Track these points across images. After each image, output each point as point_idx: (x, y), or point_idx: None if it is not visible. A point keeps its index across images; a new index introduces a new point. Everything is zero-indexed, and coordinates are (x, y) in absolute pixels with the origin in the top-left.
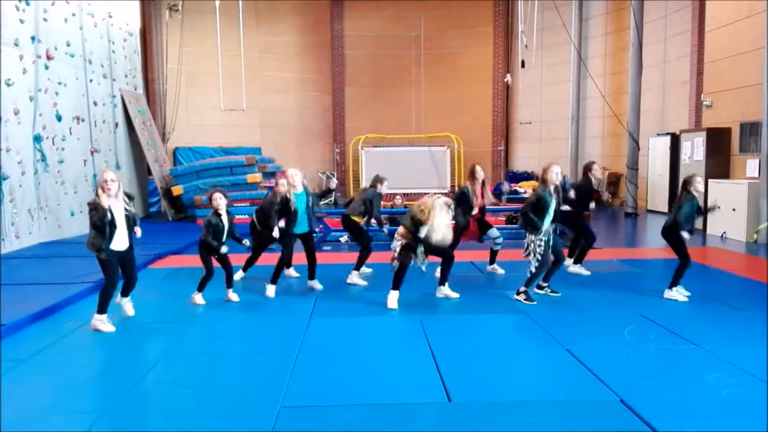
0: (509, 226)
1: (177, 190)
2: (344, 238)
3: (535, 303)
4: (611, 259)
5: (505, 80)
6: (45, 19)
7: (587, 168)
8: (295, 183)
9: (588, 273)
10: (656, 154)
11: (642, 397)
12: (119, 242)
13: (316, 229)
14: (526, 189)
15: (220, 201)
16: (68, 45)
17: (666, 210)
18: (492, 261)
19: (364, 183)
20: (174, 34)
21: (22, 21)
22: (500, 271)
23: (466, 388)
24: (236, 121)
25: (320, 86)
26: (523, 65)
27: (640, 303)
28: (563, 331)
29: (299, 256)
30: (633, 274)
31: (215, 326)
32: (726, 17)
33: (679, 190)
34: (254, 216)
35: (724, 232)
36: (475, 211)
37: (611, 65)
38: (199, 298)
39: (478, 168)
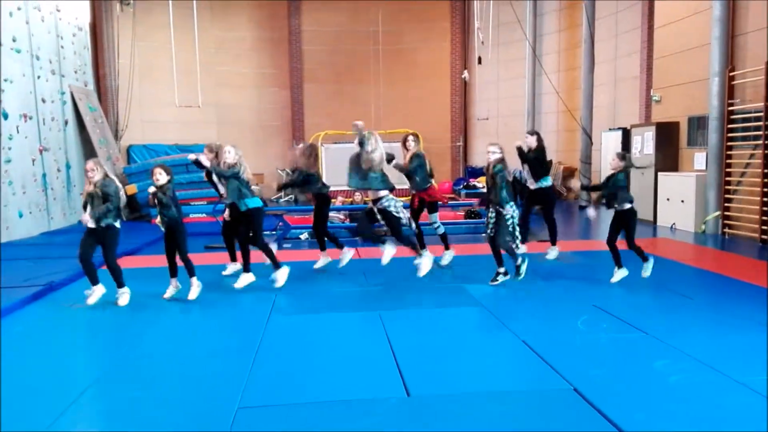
0: (468, 221)
1: (131, 188)
2: (304, 235)
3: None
4: (565, 251)
5: (463, 76)
6: None
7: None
8: (227, 160)
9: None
10: (608, 148)
11: (594, 385)
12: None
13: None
14: (484, 184)
15: (159, 176)
16: (14, 40)
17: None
18: (446, 246)
19: (325, 179)
20: (126, 28)
21: None
22: (445, 261)
23: (425, 382)
24: (192, 118)
25: (278, 82)
26: (480, 61)
27: (593, 293)
28: (519, 322)
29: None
30: (586, 266)
31: (172, 326)
32: (673, 14)
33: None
34: None
35: (674, 223)
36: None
37: (565, 61)
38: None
39: (410, 137)
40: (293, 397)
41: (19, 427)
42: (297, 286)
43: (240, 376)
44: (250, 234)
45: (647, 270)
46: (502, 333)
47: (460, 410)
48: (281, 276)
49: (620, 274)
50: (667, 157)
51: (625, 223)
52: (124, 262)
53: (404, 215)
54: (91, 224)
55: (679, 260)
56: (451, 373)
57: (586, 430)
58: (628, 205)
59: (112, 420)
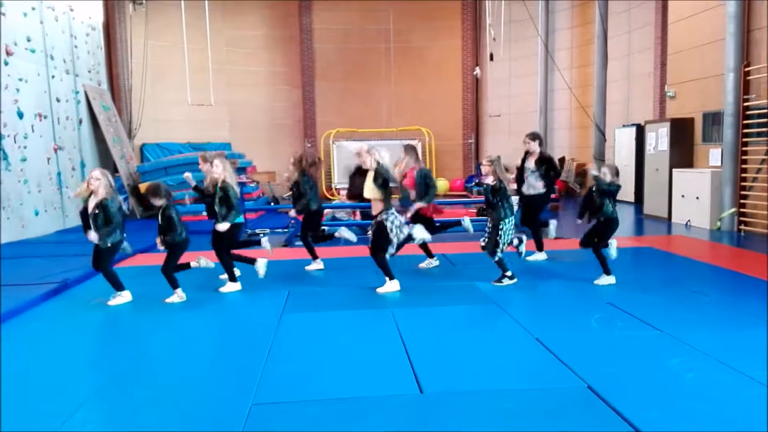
0: (480, 218)
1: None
2: None
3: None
4: (579, 248)
5: (475, 73)
6: (3, 14)
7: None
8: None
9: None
10: (622, 144)
11: (609, 383)
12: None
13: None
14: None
15: (155, 201)
16: (28, 40)
17: (632, 200)
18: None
19: (336, 178)
20: (138, 27)
21: None
22: (435, 263)
23: (438, 379)
24: (204, 116)
25: (290, 80)
26: (491, 58)
27: (607, 291)
28: (532, 320)
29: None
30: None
31: (185, 324)
32: (687, 9)
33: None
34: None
35: (689, 220)
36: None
37: (577, 58)
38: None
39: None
40: (307, 394)
41: (32, 426)
42: (309, 283)
43: (253, 374)
44: (230, 243)
45: (602, 280)
46: (515, 331)
47: (473, 408)
48: (228, 287)
49: (608, 280)
50: (682, 154)
51: (602, 228)
52: (139, 260)
53: (402, 234)
54: (95, 241)
55: (695, 257)
56: (464, 370)
57: (601, 429)
58: None
59: (124, 418)
